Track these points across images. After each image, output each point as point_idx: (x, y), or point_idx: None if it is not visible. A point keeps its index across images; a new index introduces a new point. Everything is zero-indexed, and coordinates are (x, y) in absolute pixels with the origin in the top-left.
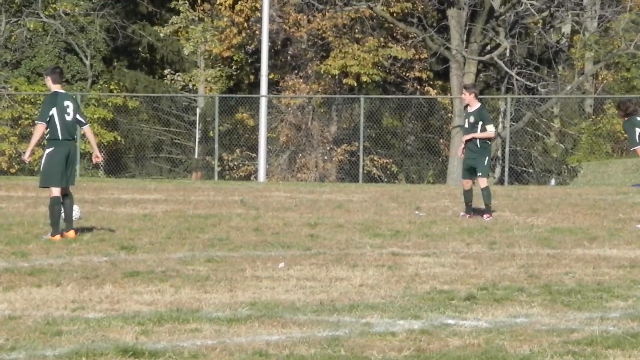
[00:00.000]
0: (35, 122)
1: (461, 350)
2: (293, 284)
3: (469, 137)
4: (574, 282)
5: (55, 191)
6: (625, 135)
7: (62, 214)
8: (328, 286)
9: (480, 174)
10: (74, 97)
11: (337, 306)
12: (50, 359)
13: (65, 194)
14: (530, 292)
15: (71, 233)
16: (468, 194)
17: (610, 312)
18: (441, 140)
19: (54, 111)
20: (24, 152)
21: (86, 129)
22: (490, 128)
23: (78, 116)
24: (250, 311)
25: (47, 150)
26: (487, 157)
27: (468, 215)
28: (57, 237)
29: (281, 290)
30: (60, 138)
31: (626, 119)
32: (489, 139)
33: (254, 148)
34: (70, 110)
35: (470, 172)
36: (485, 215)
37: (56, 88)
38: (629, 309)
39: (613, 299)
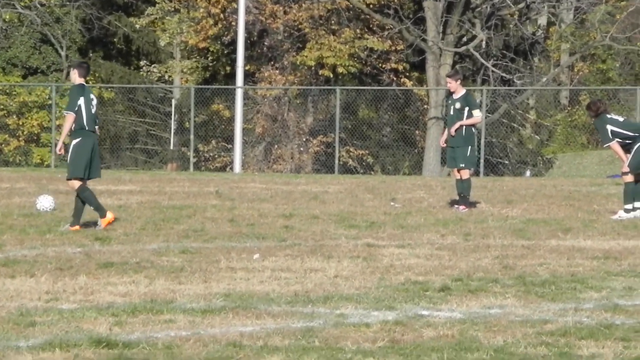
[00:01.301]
0: (65, 113)
1: (435, 341)
2: (268, 275)
3: (456, 126)
4: (548, 273)
5: (77, 184)
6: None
7: (72, 208)
8: (303, 277)
9: (462, 165)
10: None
11: (312, 297)
12: (23, 349)
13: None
14: (504, 283)
15: (76, 227)
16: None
17: (584, 303)
18: (417, 132)
19: (81, 101)
20: (56, 144)
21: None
22: (477, 113)
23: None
24: (225, 302)
25: (75, 141)
26: (470, 147)
27: (462, 207)
28: (107, 217)
29: (256, 281)
30: (87, 128)
31: (597, 117)
32: (475, 126)
33: (230, 139)
34: (94, 103)
35: (455, 160)
36: (460, 207)
37: (80, 81)
38: (602, 300)
39: (587, 290)
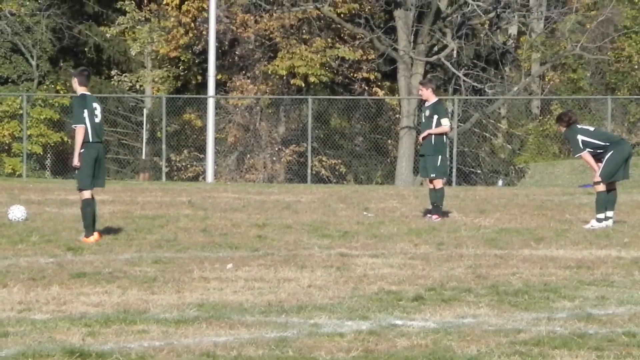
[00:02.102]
0: (74, 126)
1: (409, 351)
2: (241, 285)
3: (424, 134)
4: (521, 282)
5: (87, 194)
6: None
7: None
8: (276, 287)
9: (433, 175)
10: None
11: (285, 307)
12: None
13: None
14: (477, 293)
15: (95, 235)
16: (432, 193)
17: (557, 313)
18: (389, 141)
19: (85, 113)
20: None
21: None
22: (445, 122)
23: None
24: (198, 312)
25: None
26: (440, 157)
27: (435, 217)
28: (92, 238)
29: (229, 291)
30: (91, 140)
31: (567, 128)
32: (446, 135)
33: (202, 149)
34: (98, 112)
35: (426, 169)
36: (433, 216)
37: (82, 90)
38: (575, 309)
39: (560, 300)
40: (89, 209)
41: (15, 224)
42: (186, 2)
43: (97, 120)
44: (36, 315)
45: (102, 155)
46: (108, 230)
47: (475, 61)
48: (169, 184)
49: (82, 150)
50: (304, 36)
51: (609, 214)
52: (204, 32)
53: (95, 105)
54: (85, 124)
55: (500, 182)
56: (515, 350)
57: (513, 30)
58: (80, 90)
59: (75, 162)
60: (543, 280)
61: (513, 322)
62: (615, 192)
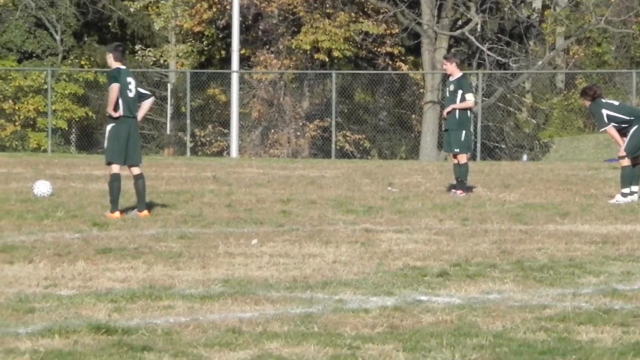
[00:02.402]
0: (110, 87)
1: (434, 327)
2: (266, 260)
3: (448, 109)
4: (546, 258)
5: (115, 168)
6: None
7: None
8: (301, 263)
9: (457, 150)
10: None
11: (310, 283)
12: (22, 336)
13: (136, 174)
14: (502, 269)
15: (144, 212)
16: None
17: (583, 288)
18: (413, 116)
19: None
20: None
21: (149, 102)
22: (470, 97)
23: (141, 90)
24: (223, 288)
25: (109, 127)
26: (464, 132)
27: (459, 192)
28: (116, 214)
29: (254, 267)
30: (122, 114)
31: (592, 102)
32: (470, 109)
33: (226, 124)
34: (132, 86)
35: (450, 144)
36: (458, 191)
37: (117, 65)
38: (601, 284)
39: (585, 275)
40: (116, 183)
41: (40, 199)
42: None
43: (130, 94)
44: (62, 291)
45: (135, 130)
46: (133, 206)
47: (499, 35)
48: (193, 159)
49: (113, 124)
50: (328, 10)
51: (634, 188)
52: (228, 7)
53: (129, 79)
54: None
55: (524, 157)
56: (541, 326)
57: (537, 3)
58: (115, 65)
59: (112, 112)
60: (568, 256)
61: (538, 297)
62: None
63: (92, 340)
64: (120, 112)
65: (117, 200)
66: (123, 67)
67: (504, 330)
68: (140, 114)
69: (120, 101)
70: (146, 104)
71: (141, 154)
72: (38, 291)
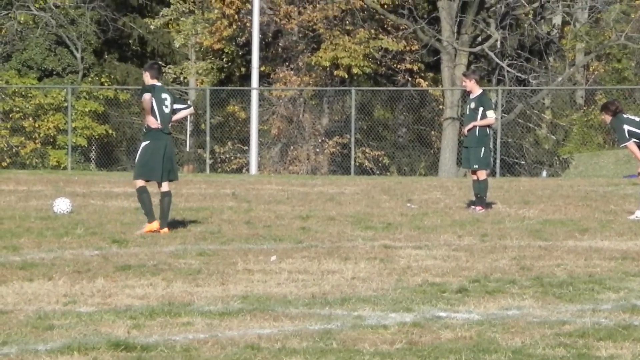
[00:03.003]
0: (142, 97)
1: (453, 343)
2: (285, 277)
3: (469, 126)
4: (565, 274)
5: (139, 182)
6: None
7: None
8: (320, 279)
9: (476, 166)
10: (170, 92)
11: (329, 299)
12: (42, 353)
13: (165, 190)
14: (522, 284)
15: (165, 230)
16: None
17: (602, 304)
18: (433, 132)
19: (153, 102)
20: (146, 124)
21: (186, 111)
22: (491, 114)
23: (177, 105)
24: (242, 305)
25: (144, 144)
26: (483, 148)
27: (479, 208)
28: (154, 224)
29: (273, 283)
30: (160, 128)
31: (613, 117)
32: (489, 126)
33: (246, 141)
34: (167, 102)
35: (469, 161)
36: (477, 208)
37: (153, 82)
38: (620, 300)
39: (605, 291)
40: (144, 195)
41: (60, 217)
42: None
43: (166, 110)
44: (81, 307)
45: (170, 147)
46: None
47: (519, 51)
48: (212, 176)
49: (148, 142)
50: (347, 27)
51: None
52: (248, 24)
53: (164, 95)
54: (153, 113)
55: (544, 173)
56: (560, 342)
57: (557, 20)
58: (151, 82)
59: (153, 123)
60: (588, 272)
61: (558, 313)
62: None
63: (111, 357)
64: (158, 124)
65: (152, 210)
66: (158, 84)
67: (523, 347)
68: (174, 117)
69: (158, 117)
70: (183, 112)
71: (177, 170)
72: (57, 308)
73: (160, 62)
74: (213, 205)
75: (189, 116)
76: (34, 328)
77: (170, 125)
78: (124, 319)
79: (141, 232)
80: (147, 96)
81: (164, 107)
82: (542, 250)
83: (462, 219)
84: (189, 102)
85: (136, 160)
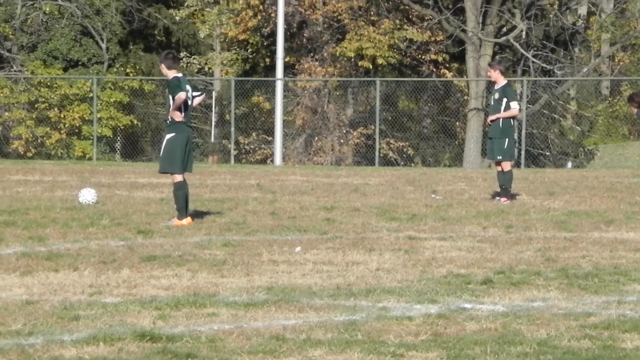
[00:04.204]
0: (177, 96)
1: (478, 335)
2: (310, 268)
3: (493, 118)
4: (590, 265)
5: (178, 177)
6: None
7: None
8: (345, 270)
9: (500, 157)
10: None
11: (354, 290)
12: (67, 343)
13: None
14: (547, 276)
15: (189, 219)
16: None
17: (627, 296)
18: (457, 123)
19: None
20: (171, 117)
21: (200, 97)
22: (514, 105)
23: (193, 93)
24: (267, 295)
25: (168, 136)
26: (507, 139)
27: (504, 199)
28: (185, 221)
29: (298, 274)
30: (184, 121)
31: (639, 108)
32: (514, 117)
33: (270, 131)
34: (190, 94)
35: (493, 152)
36: (502, 199)
37: (173, 73)
38: None
39: (630, 283)
40: (181, 192)
41: (85, 207)
42: None
43: (189, 102)
44: (107, 298)
45: (191, 139)
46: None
47: (544, 42)
48: (237, 167)
49: (173, 134)
50: (372, 18)
51: None
52: (273, 15)
53: (188, 87)
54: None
55: (569, 164)
56: (585, 334)
57: (582, 10)
58: (171, 73)
59: (176, 116)
60: (613, 263)
61: (583, 305)
62: None
63: (137, 347)
64: (182, 117)
65: (184, 207)
66: (180, 74)
67: (548, 338)
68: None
69: (181, 109)
70: (197, 99)
71: (193, 162)
72: (83, 299)
73: (185, 53)
74: (238, 196)
75: (213, 107)
76: (59, 318)
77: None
78: (150, 309)
79: (168, 224)
80: (183, 95)
81: (188, 100)
82: (567, 242)
83: (486, 210)
84: (205, 89)
85: (161, 152)
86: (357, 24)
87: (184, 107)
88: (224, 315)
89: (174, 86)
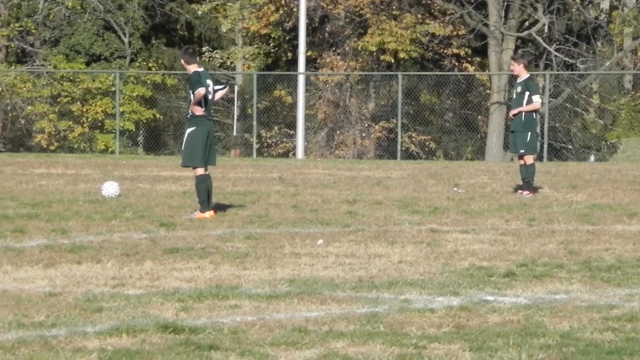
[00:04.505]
0: (196, 91)
1: (501, 327)
2: (332, 260)
3: (515, 111)
4: (613, 258)
5: (200, 170)
6: None
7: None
8: (367, 263)
9: (522, 150)
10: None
11: (376, 283)
12: (90, 335)
13: (205, 174)
14: (569, 269)
15: (211, 212)
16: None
17: None
18: (479, 117)
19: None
20: (192, 111)
21: (223, 91)
22: (537, 99)
23: (216, 87)
24: (290, 288)
25: (189, 130)
26: (529, 133)
27: (526, 192)
28: (208, 214)
29: (320, 267)
30: (204, 115)
31: None
32: (536, 111)
33: (292, 125)
34: (210, 89)
35: (515, 145)
36: (524, 192)
37: (194, 67)
38: None
39: None
40: (203, 185)
41: (108, 200)
42: None
43: (209, 97)
44: (130, 290)
45: (213, 133)
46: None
47: (566, 36)
48: (259, 160)
49: (193, 128)
50: (394, 12)
51: None
52: (295, 9)
53: (208, 81)
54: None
55: (592, 158)
56: (608, 326)
57: (605, 4)
58: (191, 68)
59: (197, 110)
60: (636, 256)
61: (606, 298)
62: None
63: (160, 339)
64: (203, 112)
65: (206, 200)
66: (201, 69)
67: (571, 331)
68: (217, 94)
69: (201, 103)
70: (220, 92)
71: (216, 155)
72: (106, 291)
73: (207, 47)
74: (260, 189)
75: (235, 101)
76: (82, 310)
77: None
78: (172, 301)
79: (190, 217)
80: (202, 90)
81: (207, 94)
82: (590, 235)
83: (509, 203)
84: (227, 82)
85: (183, 147)
86: (378, 18)
87: (204, 101)
88: (246, 307)
89: (194, 81)
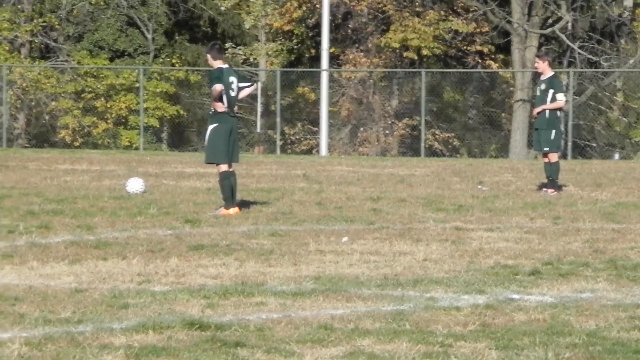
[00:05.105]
0: (213, 87)
1: (527, 325)
2: (357, 258)
3: (539, 109)
4: (639, 257)
5: (224, 166)
6: None
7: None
8: (392, 260)
9: (547, 148)
10: (235, 70)
11: (401, 280)
12: (117, 331)
13: (230, 171)
14: (595, 267)
15: (236, 209)
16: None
17: None
18: (503, 114)
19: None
20: (214, 108)
21: (249, 89)
22: (561, 97)
23: (241, 84)
24: (315, 285)
25: (212, 126)
26: (553, 131)
27: (551, 190)
28: (232, 210)
29: (345, 264)
30: (226, 112)
31: None
32: (560, 109)
33: (316, 122)
34: (234, 86)
35: (540, 143)
36: (549, 190)
37: (218, 64)
38: None
39: None
40: (227, 181)
41: (133, 197)
42: None
43: (232, 94)
44: (155, 287)
45: (236, 129)
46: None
47: (590, 33)
48: (283, 157)
49: (215, 125)
50: (417, 9)
51: None
52: (318, 6)
53: (231, 79)
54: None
55: (616, 156)
56: (635, 325)
57: (629, 2)
58: (217, 64)
59: (219, 107)
60: None
61: (632, 296)
62: None
63: (186, 335)
64: (225, 108)
65: (230, 197)
66: (225, 65)
67: (598, 329)
68: (239, 96)
69: (224, 100)
70: (246, 90)
71: (240, 152)
72: (132, 287)
73: (230, 43)
74: (284, 186)
75: (259, 98)
76: (109, 307)
77: (235, 107)
78: (198, 298)
79: (215, 213)
80: (218, 87)
81: (230, 91)
82: (615, 233)
83: (533, 201)
84: (252, 79)
85: (205, 143)
86: (401, 14)
87: (227, 97)
88: (272, 304)
89: (213, 77)
